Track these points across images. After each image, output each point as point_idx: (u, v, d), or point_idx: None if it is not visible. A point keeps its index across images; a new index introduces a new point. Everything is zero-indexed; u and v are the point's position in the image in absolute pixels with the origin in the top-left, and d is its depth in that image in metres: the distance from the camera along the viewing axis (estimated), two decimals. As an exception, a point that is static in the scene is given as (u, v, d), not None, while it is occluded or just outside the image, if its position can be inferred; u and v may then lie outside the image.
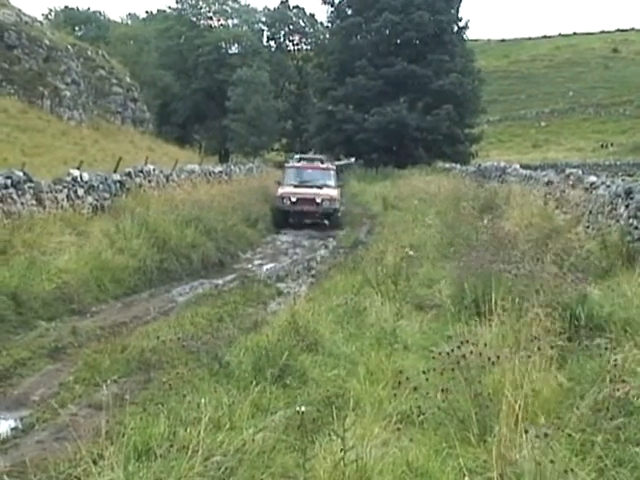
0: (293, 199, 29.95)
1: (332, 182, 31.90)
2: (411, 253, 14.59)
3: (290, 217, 30.25)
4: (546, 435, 5.82)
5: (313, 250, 23.97)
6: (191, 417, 7.16)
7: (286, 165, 35.59)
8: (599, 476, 5.85)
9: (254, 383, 8.22)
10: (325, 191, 30.49)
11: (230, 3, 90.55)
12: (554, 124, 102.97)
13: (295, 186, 30.82)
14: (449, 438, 6.81)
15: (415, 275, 14.84)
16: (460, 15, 71.49)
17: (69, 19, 79.11)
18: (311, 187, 30.63)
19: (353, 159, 63.04)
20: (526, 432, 5.80)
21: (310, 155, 40.99)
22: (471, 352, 7.40)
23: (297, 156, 37.88)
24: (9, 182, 17.09)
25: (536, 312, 8.67)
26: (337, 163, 44.99)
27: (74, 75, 41.42)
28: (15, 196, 17.21)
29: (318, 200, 30.02)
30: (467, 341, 7.77)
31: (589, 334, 9.19)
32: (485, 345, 7.98)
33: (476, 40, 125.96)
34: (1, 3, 39.63)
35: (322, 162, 34.10)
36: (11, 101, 34.82)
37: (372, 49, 67.48)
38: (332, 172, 32.97)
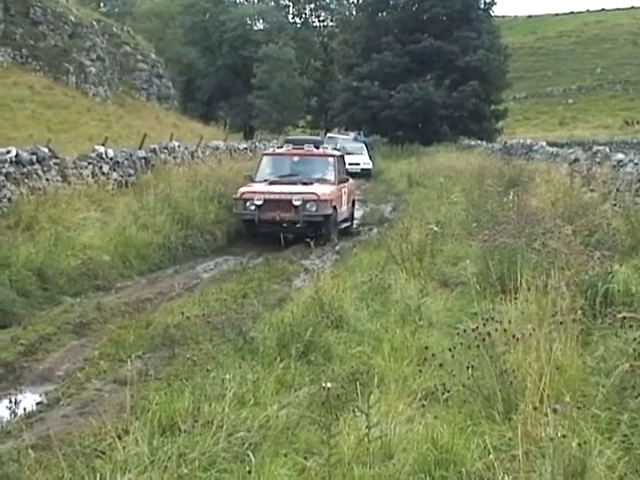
0: (258, 202, 19.70)
1: (331, 175, 21.69)
2: (436, 230, 14.53)
3: (258, 228, 20.14)
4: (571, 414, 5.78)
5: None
6: (215, 393, 7.18)
7: (263, 153, 25.11)
8: (625, 455, 5.80)
9: (278, 359, 8.24)
10: (313, 188, 20.43)
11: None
12: (581, 101, 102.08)
13: (271, 182, 21.00)
14: (474, 415, 6.79)
15: (440, 252, 14.78)
16: (487, -9, 71.00)
17: (94, -5, 79.00)
18: (293, 183, 20.84)
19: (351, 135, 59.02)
20: (555, 412, 5.75)
21: (301, 137, 30.22)
22: (496, 330, 7.36)
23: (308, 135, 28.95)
24: (34, 158, 17.19)
25: (561, 290, 8.61)
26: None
27: (99, 51, 41.46)
28: (40, 172, 17.34)
29: (296, 202, 19.68)
30: (492, 318, 7.73)
31: (614, 312, 9.13)
32: (510, 322, 7.94)
33: (503, 16, 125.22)
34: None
35: (317, 147, 22.85)
36: (36, 77, 34.88)
37: (398, 25, 67.17)
38: (332, 160, 22.30)
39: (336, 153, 23.58)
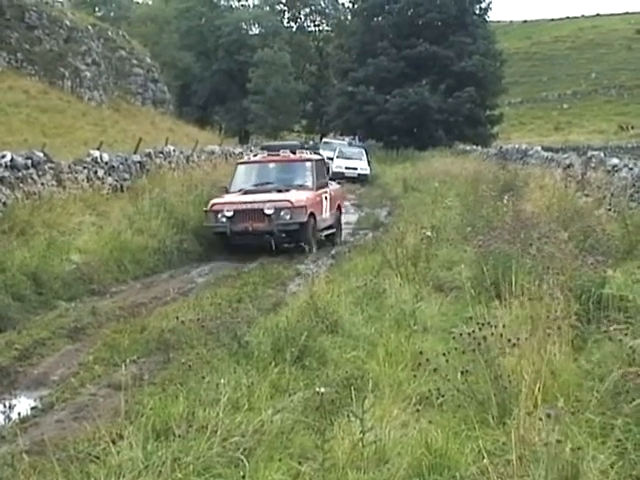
0: (229, 213, 18.68)
1: (308, 181, 20.41)
2: (429, 235, 14.53)
3: (231, 241, 19.05)
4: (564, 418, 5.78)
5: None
6: (210, 397, 7.16)
7: (237, 162, 23.89)
8: (619, 460, 5.79)
9: (273, 364, 8.23)
10: (287, 195, 19.29)
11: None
12: (576, 106, 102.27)
13: (245, 192, 19.97)
14: (468, 420, 6.78)
15: (435, 257, 14.78)
16: (482, -4, 71.11)
17: (90, -1, 78.87)
18: (267, 191, 19.77)
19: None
20: (549, 416, 5.76)
21: (278, 142, 28.91)
22: (491, 334, 7.36)
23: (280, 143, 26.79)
24: (29, 163, 17.20)
25: (555, 295, 8.62)
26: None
27: (95, 56, 41.40)
28: (35, 176, 17.34)
29: (268, 211, 18.52)
30: (487, 323, 7.73)
31: (608, 317, 9.13)
32: (504, 327, 7.94)
33: (498, 21, 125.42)
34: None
35: (294, 152, 21.33)
36: (32, 82, 34.80)
37: (394, 30, 67.24)
38: (309, 165, 20.91)
39: (314, 157, 21.84)
